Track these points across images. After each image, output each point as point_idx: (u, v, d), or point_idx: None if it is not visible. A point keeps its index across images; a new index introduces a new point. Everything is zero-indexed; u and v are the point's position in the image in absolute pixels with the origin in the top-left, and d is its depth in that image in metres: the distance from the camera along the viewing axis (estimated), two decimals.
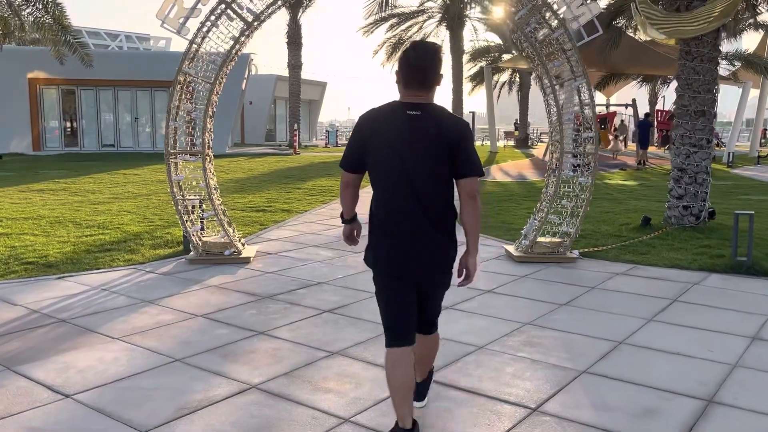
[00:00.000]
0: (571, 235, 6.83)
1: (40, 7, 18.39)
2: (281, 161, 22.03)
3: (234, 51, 6.56)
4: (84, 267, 6.33)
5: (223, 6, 6.33)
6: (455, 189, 2.84)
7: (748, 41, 30.33)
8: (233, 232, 6.90)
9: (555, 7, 6.41)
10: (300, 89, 33.22)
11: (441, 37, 28.63)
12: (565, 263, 6.68)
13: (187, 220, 6.65)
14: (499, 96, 39.49)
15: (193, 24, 6.36)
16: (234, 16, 6.40)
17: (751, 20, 26.79)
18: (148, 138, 25.82)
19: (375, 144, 2.78)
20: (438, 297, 3.05)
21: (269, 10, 6.44)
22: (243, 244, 7.00)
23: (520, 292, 5.55)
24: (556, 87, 6.56)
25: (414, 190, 2.74)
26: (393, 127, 2.75)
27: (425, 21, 27.98)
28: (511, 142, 39.88)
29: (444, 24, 27.39)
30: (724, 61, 25.59)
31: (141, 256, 6.83)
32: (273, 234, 8.40)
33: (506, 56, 33.71)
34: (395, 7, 27.61)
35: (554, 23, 6.55)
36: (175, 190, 6.62)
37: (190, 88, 6.46)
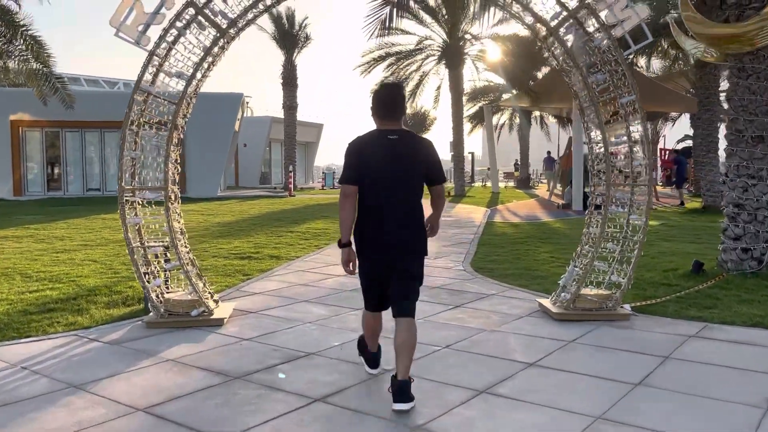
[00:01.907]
0: (622, 286, 5.53)
1: (21, 42, 17.45)
2: (275, 204, 20.83)
3: (206, 65, 5.38)
4: (10, 335, 4.97)
5: (192, 11, 5.18)
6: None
7: None
8: (203, 286, 5.59)
9: (596, 8, 5.27)
10: (296, 131, 32.35)
11: (440, 75, 27.86)
12: (617, 321, 5.36)
13: (146, 273, 5.34)
14: (498, 137, 38.70)
15: (155, 33, 5.20)
16: (206, 23, 5.24)
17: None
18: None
19: (366, 162, 3.55)
20: (414, 284, 3.65)
21: (248, 16, 5.28)
22: (216, 301, 5.68)
23: (575, 366, 4.21)
24: (599, 105, 5.37)
25: (397, 194, 3.56)
26: (379, 149, 3.56)
27: (424, 59, 27.20)
28: (512, 183, 38.89)
29: (443, 62, 26.60)
30: None
31: (89, 318, 5.49)
32: (257, 286, 7.08)
33: (506, 96, 33.08)
34: (393, 45, 26.86)
35: (591, 27, 5.42)
36: (130, 235, 5.33)
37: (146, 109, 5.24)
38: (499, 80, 34.44)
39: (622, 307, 5.59)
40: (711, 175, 16.96)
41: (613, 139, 5.42)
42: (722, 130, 19.70)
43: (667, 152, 34.35)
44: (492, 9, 25.15)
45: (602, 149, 5.48)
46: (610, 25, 5.27)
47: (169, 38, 5.20)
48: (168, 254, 5.58)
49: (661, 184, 31.99)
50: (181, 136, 5.46)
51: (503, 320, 5.46)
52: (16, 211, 17.92)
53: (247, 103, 46.41)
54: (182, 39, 5.24)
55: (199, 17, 5.23)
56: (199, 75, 5.24)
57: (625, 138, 5.46)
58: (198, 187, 23.82)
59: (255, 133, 35.35)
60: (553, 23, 5.31)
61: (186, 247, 5.59)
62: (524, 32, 29.67)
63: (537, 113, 37.64)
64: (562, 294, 5.63)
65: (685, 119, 36.57)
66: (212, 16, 5.23)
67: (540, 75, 31.55)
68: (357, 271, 3.66)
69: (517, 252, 9.63)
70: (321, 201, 22.03)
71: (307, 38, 32.63)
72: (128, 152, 5.26)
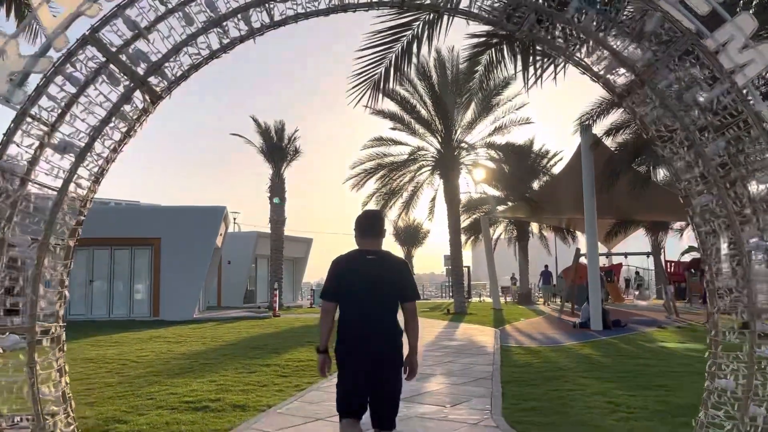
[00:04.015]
0: None
1: None
2: (255, 326, 18.47)
3: (119, 137, 3.50)
4: None
5: (99, 54, 3.38)
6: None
7: None
8: None
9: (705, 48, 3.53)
10: (283, 246, 30.51)
11: (435, 186, 26.59)
12: None
13: None
14: (495, 249, 37.02)
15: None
16: (120, 76, 3.43)
17: None
18: (103, 303, 22.31)
19: (346, 280, 3.92)
20: (393, 395, 3.92)
21: (183, 60, 3.48)
22: None
23: None
24: (723, 187, 3.48)
25: (375, 309, 3.87)
26: (358, 267, 3.95)
27: (418, 170, 26.01)
28: (510, 298, 36.66)
29: (438, 172, 25.41)
30: None
31: None
32: None
33: (501, 208, 31.78)
34: (385, 156, 25.79)
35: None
36: None
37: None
38: (495, 192, 33.43)
39: None
40: None
41: (753, 240, 3.46)
42: None
43: (672, 264, 32.68)
44: (489, 116, 24.47)
45: (731, 252, 3.52)
46: (729, 72, 3.51)
47: (59, 95, 3.35)
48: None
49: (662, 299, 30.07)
50: (71, 244, 3.45)
51: None
52: None
53: (234, 219, 44.96)
54: (84, 98, 3.41)
55: (112, 65, 3.42)
56: (100, 148, 3.33)
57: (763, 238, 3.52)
58: (172, 308, 21.52)
59: (240, 249, 33.43)
60: (642, 68, 3.54)
61: (70, 423, 3.41)
62: (520, 141, 28.91)
63: (535, 226, 36.22)
64: None
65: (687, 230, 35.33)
66: (130, 64, 3.43)
67: (536, 185, 30.53)
68: (329, 374, 3.96)
69: (559, 394, 7.39)
70: (308, 322, 19.71)
71: (297, 152, 31.71)
72: None
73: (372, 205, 26.43)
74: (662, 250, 39.32)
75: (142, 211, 25.60)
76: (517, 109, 24.92)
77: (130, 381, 8.78)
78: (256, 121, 31.21)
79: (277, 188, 30.73)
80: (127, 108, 3.36)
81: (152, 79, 3.44)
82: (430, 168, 25.78)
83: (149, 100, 3.49)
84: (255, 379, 8.75)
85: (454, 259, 25.12)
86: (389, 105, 24.84)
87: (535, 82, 6.37)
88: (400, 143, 25.63)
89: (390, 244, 42.79)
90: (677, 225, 33.37)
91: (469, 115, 24.75)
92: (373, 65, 7.29)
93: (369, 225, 4.06)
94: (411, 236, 40.88)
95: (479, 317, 21.45)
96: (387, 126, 26.85)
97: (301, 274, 40.84)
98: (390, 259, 4.03)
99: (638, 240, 36.44)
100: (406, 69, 7.30)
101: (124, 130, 3.46)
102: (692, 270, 29.18)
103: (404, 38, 7.14)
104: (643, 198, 18.72)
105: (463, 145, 24.86)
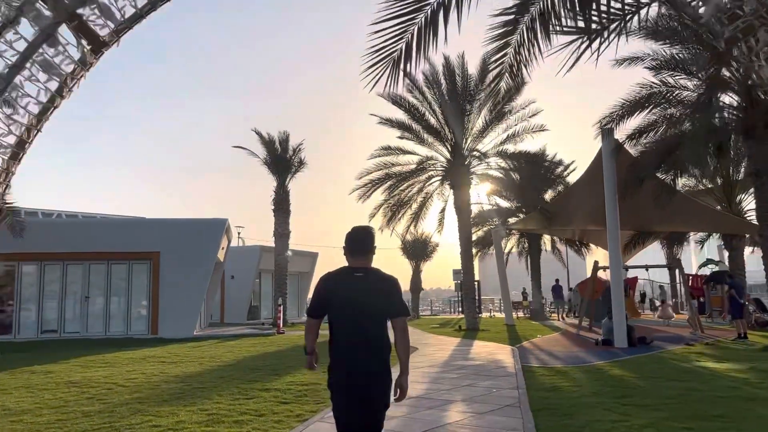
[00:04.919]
0: None
1: None
2: (257, 345, 17.46)
3: (51, 97, 2.56)
4: None
5: None
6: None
7: None
8: None
9: None
10: (287, 260, 29.53)
11: (445, 197, 25.58)
12: None
13: None
14: (506, 263, 35.87)
15: None
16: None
17: None
18: (100, 321, 21.31)
19: (334, 296, 3.92)
20: (380, 413, 3.84)
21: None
22: None
23: None
24: None
25: (362, 327, 3.85)
26: (346, 285, 3.95)
27: (427, 180, 25.01)
28: (522, 313, 35.43)
29: (448, 183, 24.42)
30: None
31: None
32: None
33: (512, 220, 30.77)
34: (392, 165, 24.81)
35: None
36: None
37: None
38: (506, 203, 32.38)
39: None
40: None
41: None
42: None
43: (691, 278, 31.45)
44: (501, 124, 23.51)
45: None
46: None
47: None
48: None
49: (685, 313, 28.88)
50: None
51: None
52: None
53: (239, 233, 44.06)
54: None
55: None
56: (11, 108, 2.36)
57: None
58: (172, 326, 20.57)
59: (244, 263, 32.44)
60: None
61: None
62: (532, 149, 27.74)
63: (547, 239, 35.06)
64: None
65: (709, 245, 34.00)
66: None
67: (549, 195, 29.49)
68: (318, 365, 4.06)
69: (603, 426, 6.37)
70: None
71: (301, 163, 30.81)
72: None
73: (379, 217, 25.48)
74: (679, 263, 38.09)
75: (140, 224, 24.57)
76: (530, 117, 23.98)
77: (112, 410, 7.81)
78: (258, 133, 30.43)
79: (281, 201, 29.84)
80: (52, 52, 2.42)
81: (93, 18, 2.51)
82: (439, 178, 24.80)
83: (88, 46, 2.55)
84: (252, 407, 7.77)
85: (465, 273, 24.03)
86: (397, 113, 23.99)
87: (596, 38, 5.41)
88: (409, 152, 24.67)
89: (397, 258, 41.64)
90: (697, 236, 32.14)
91: (479, 122, 23.79)
92: (392, 40, 6.33)
93: (358, 242, 4.05)
94: (419, 250, 39.66)
95: (493, 334, 20.38)
96: (395, 134, 25.88)
97: (306, 289, 39.77)
98: (378, 275, 4.01)
99: (650, 253, 35.25)
100: (431, 44, 6.30)
101: (53, 87, 2.52)
102: (712, 283, 28.00)
103: (428, 7, 6.18)
104: (664, 208, 17.66)
105: (474, 153, 23.86)
